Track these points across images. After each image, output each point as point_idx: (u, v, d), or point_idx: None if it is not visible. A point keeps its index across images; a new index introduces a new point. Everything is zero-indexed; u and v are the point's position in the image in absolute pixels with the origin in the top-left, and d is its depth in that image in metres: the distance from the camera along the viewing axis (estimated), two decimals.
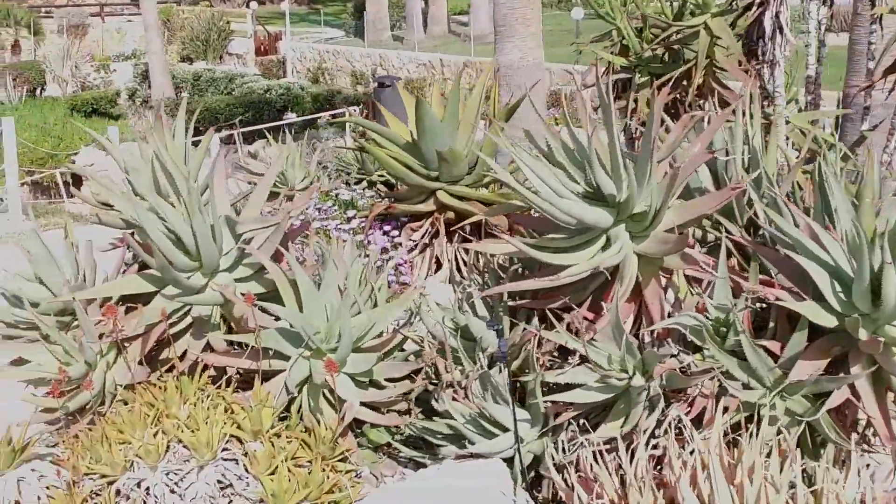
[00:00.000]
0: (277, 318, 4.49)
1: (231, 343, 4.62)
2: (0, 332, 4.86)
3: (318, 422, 4.36)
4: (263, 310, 4.40)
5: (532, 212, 5.31)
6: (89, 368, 4.41)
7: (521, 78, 12.02)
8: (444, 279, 7.37)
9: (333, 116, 25.27)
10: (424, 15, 38.21)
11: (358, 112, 24.44)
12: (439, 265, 7.41)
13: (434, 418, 4.53)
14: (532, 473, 4.31)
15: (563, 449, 4.24)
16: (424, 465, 4.54)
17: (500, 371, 4.30)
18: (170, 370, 4.57)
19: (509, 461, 4.28)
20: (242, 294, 4.35)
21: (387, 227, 7.64)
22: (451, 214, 7.49)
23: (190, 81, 30.17)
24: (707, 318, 4.06)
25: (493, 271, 4.96)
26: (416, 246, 7.43)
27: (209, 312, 4.59)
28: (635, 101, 7.03)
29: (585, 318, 4.49)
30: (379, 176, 9.16)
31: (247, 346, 4.53)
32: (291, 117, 25.84)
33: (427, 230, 7.57)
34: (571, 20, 30.82)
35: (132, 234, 5.05)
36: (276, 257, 4.63)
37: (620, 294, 4.32)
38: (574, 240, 4.52)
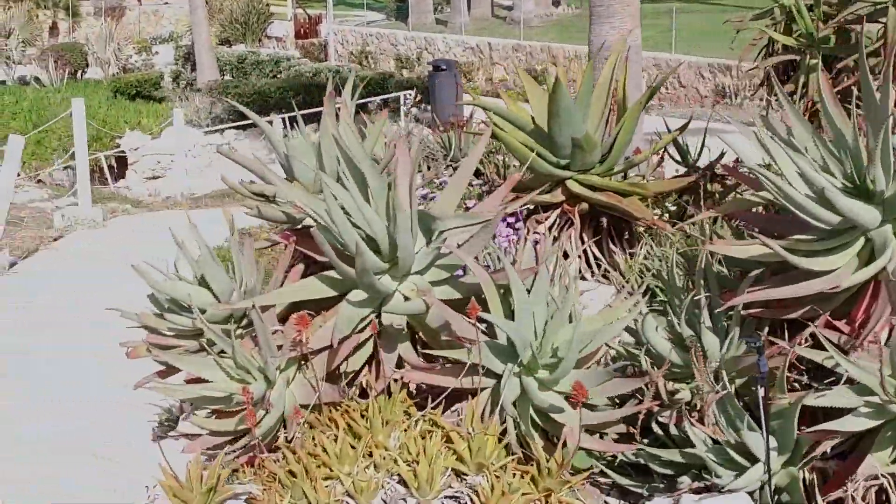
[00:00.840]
0: (487, 329, 3.88)
1: (428, 357, 4.00)
2: (143, 342, 4.26)
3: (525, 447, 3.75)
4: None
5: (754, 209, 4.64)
6: (268, 387, 3.78)
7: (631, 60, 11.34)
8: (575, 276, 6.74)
9: (385, 101, 24.62)
10: None
11: (412, 96, 23.80)
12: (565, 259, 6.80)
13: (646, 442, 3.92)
14: None
15: (816, 483, 3.64)
16: (633, 494, 3.93)
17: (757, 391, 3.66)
18: (362, 393, 3.95)
19: (750, 494, 3.68)
20: (460, 303, 3.72)
21: (510, 219, 7.02)
22: (584, 205, 6.85)
23: (234, 64, 29.57)
24: None
25: (716, 276, 4.31)
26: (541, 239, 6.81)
27: (402, 322, 3.96)
28: (804, 85, 6.36)
29: (840, 331, 3.86)
30: None
31: (447, 361, 3.93)
32: (341, 101, 25.10)
33: (555, 222, 6.94)
34: None
35: (295, 229, 4.43)
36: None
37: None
38: (829, 242, 3.87)
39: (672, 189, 7.37)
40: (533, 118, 6.90)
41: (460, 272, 4.18)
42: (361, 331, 4.01)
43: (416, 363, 3.91)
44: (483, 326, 3.99)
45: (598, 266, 6.76)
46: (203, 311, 3.99)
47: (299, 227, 4.46)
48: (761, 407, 3.60)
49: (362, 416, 3.66)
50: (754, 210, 4.61)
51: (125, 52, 31.46)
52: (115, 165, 22.41)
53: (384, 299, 3.99)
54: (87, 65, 30.96)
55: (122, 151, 21.90)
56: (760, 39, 6.61)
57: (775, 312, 4.05)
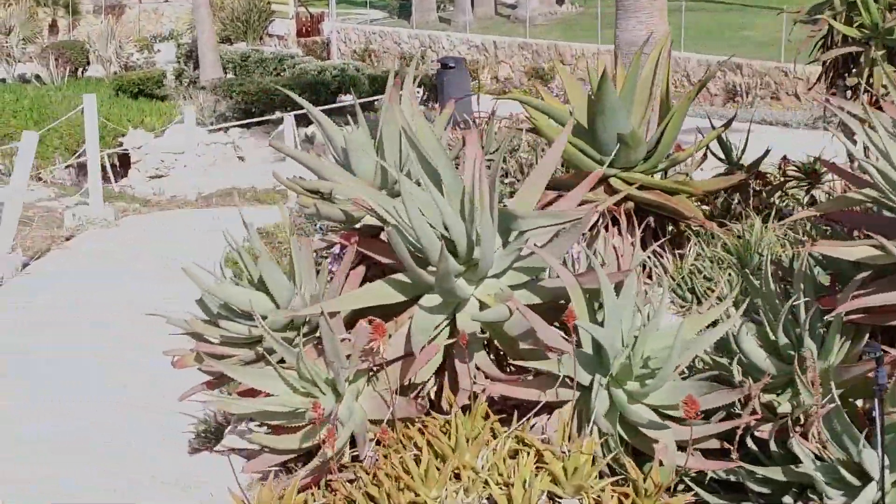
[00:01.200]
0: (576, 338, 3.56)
1: (506, 368, 3.68)
2: (191, 351, 3.95)
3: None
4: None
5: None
6: (337, 400, 3.47)
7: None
8: None
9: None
10: None
11: (420, 94, 23.48)
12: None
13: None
14: None
15: None
16: None
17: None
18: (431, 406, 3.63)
19: None
20: (540, 309, 3.40)
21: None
22: (629, 204, 6.55)
23: (237, 62, 29.22)
24: None
25: (810, 278, 3.99)
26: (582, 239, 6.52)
27: (479, 330, 3.64)
28: (868, 78, 6.05)
29: None
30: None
31: (522, 370, 3.62)
32: (347, 99, 24.89)
33: (598, 221, 6.63)
34: None
35: (354, 229, 4.12)
36: None
37: None
38: None
39: (721, 187, 7.09)
40: (571, 113, 6.64)
41: None
42: (433, 339, 3.71)
43: (496, 374, 3.60)
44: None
45: (644, 267, 6.46)
46: (248, 318, 3.68)
47: (358, 226, 4.14)
48: (878, 421, 3.30)
49: (444, 432, 3.34)
50: (856, 209, 4.29)
51: (127, 50, 31.11)
52: (118, 164, 22.08)
53: (458, 305, 3.68)
54: (88, 63, 30.61)
55: (126, 150, 21.56)
56: (819, 31, 6.29)
57: (877, 318, 3.75)
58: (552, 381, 3.58)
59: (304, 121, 22.20)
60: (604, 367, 3.57)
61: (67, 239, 11.16)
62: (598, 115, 6.44)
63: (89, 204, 12.52)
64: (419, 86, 24.13)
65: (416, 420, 3.48)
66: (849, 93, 6.49)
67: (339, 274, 3.87)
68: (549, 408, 3.72)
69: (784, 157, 8.02)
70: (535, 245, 3.62)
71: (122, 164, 22.26)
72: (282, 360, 3.66)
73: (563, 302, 3.77)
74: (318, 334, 3.81)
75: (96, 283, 9.41)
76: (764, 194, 7.62)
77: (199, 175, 19.06)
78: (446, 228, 3.55)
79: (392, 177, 4.20)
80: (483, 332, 3.73)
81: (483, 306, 3.67)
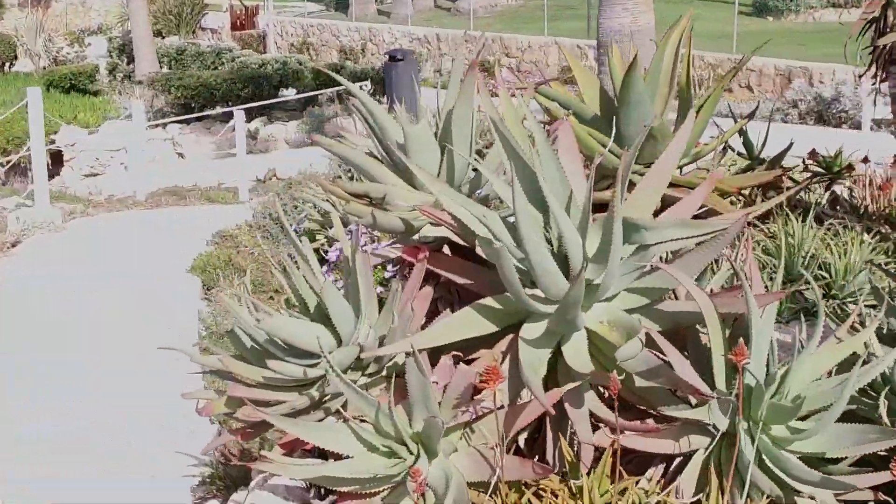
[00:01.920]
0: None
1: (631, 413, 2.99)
2: (219, 394, 3.22)
3: None
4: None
5: None
6: (430, 460, 2.75)
7: (630, 45, 10.45)
8: None
9: (338, 94, 23.50)
10: None
11: (367, 88, 22.69)
12: None
13: None
14: None
15: None
16: None
17: None
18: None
19: None
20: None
21: None
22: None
23: (173, 56, 28.11)
24: None
25: None
26: None
27: (586, 367, 2.95)
28: None
29: None
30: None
31: (644, 415, 2.94)
32: (289, 93, 24.01)
33: None
34: None
35: (421, 244, 3.40)
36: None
37: None
38: None
39: (754, 184, 6.50)
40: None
41: None
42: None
43: (621, 423, 2.90)
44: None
45: None
46: (317, 356, 2.95)
47: (416, 237, 3.43)
48: None
49: (573, 496, 2.64)
50: None
51: (57, 43, 29.80)
52: (50, 162, 20.96)
53: (563, 336, 2.99)
54: (16, 57, 29.29)
55: (59, 147, 20.45)
56: (872, 12, 5.69)
57: None
58: (688, 428, 2.92)
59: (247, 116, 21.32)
60: (747, 408, 2.91)
61: (13, 245, 10.23)
62: (622, 107, 5.86)
63: (34, 206, 11.57)
64: (364, 79, 23.31)
65: (532, 483, 2.78)
66: None
67: (407, 297, 3.15)
68: (669, 457, 3.07)
69: (812, 151, 7.45)
70: (660, 261, 2.94)
71: (55, 161, 21.15)
72: (339, 405, 2.94)
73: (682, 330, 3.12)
74: (384, 373, 3.10)
75: (55, 293, 8.60)
76: (790, 191, 7.08)
77: (138, 173, 18.09)
78: (559, 244, 2.86)
79: (459, 178, 3.49)
80: None
81: (596, 337, 2.98)
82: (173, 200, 14.08)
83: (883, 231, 6.43)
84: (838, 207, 7.48)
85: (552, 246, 2.94)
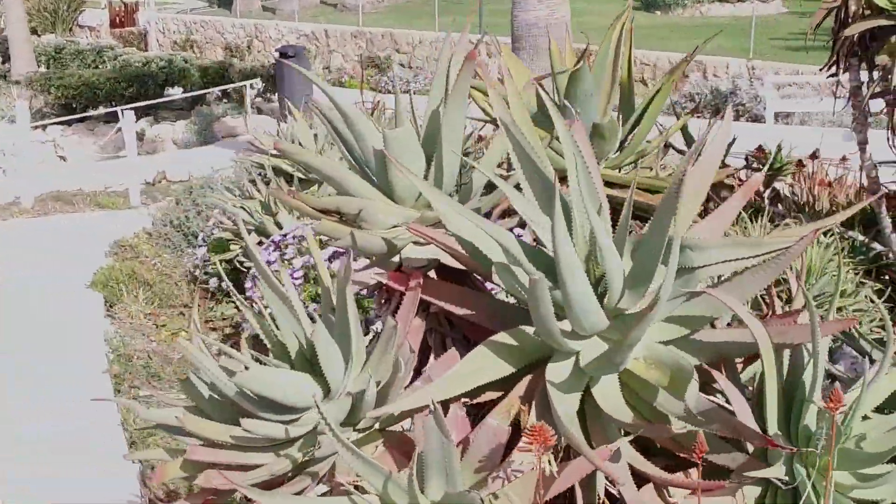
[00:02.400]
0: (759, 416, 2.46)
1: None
2: (176, 456, 2.68)
3: None
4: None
5: None
6: None
7: (547, 39, 10.17)
8: None
9: (225, 92, 22.68)
10: None
11: (259, 86, 21.93)
12: None
13: None
14: None
15: None
16: None
17: None
18: None
19: None
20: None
21: (509, 225, 5.65)
22: None
23: (51, 55, 26.82)
24: None
25: None
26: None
27: (625, 414, 2.49)
28: None
29: None
30: None
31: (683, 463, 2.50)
32: (176, 92, 23.07)
33: None
34: None
35: (408, 270, 2.90)
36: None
37: None
38: None
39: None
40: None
41: None
42: None
43: (665, 477, 2.45)
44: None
45: None
46: (301, 410, 2.43)
47: (407, 262, 2.92)
48: None
49: None
50: None
51: None
52: None
53: (591, 377, 2.53)
54: None
55: None
56: (833, 2, 5.37)
57: None
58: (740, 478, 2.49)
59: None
60: (813, 455, 2.49)
61: None
62: (571, 103, 5.53)
63: None
64: (254, 77, 22.52)
65: None
66: (864, 73, 5.62)
67: (402, 334, 2.64)
68: None
69: (759, 147, 7.16)
70: (705, 286, 2.50)
71: None
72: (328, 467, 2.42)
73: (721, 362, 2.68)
74: (376, 426, 2.59)
75: None
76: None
77: (17, 178, 17.09)
78: (595, 264, 2.39)
79: (446, 190, 3.00)
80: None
81: (630, 376, 2.52)
82: (61, 206, 13.22)
83: (838, 231, 6.15)
84: (780, 205, 7.21)
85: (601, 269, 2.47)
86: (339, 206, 2.96)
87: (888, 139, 5.46)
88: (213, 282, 7.75)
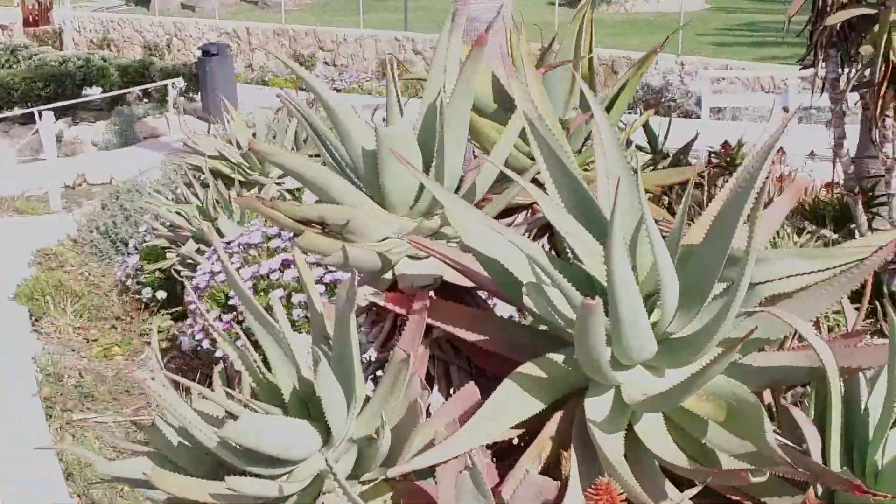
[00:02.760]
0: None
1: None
2: None
3: None
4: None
5: None
6: None
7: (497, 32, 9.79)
8: None
9: (146, 91, 21.99)
10: None
11: (181, 85, 21.27)
12: None
13: None
14: None
15: None
16: None
17: None
18: None
19: None
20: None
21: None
22: None
23: None
24: None
25: None
26: None
27: (678, 457, 2.14)
28: (887, 44, 4.91)
29: None
30: None
31: None
32: (95, 92, 22.30)
33: (526, 230, 5.32)
34: None
35: (409, 291, 2.52)
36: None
37: None
38: None
39: (677, 181, 5.91)
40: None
41: None
42: None
43: None
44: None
45: None
46: (295, 462, 2.03)
47: (403, 279, 2.53)
48: None
49: None
50: None
51: None
52: None
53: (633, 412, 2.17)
54: None
55: None
56: None
57: None
58: None
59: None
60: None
61: None
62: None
63: None
64: (176, 76, 21.85)
65: None
66: (843, 68, 5.37)
67: (411, 366, 2.25)
68: None
69: (725, 143, 6.88)
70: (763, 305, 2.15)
71: None
72: None
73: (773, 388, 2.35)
74: (382, 477, 2.21)
75: None
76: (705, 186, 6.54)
77: None
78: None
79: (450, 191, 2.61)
80: None
81: (678, 411, 2.17)
82: None
83: (810, 230, 5.91)
84: None
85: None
86: (322, 215, 2.56)
87: (871, 132, 5.20)
88: (147, 292, 7.28)
